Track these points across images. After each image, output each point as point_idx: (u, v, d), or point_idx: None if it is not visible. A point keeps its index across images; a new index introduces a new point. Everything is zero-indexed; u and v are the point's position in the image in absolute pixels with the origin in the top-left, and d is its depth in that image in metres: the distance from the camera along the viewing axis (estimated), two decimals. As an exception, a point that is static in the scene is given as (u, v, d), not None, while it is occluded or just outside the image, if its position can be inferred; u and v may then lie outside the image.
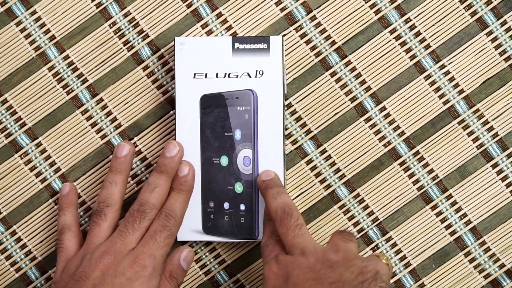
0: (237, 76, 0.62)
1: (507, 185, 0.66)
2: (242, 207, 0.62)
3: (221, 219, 0.63)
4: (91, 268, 0.58)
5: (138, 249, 0.59)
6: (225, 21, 0.66)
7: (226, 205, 0.63)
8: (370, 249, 0.67)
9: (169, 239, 0.59)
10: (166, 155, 0.62)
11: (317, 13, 0.66)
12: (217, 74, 0.62)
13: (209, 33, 0.66)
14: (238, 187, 0.62)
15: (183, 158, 0.63)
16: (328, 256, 0.55)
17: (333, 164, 0.67)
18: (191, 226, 0.63)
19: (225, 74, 0.62)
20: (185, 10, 0.66)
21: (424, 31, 0.66)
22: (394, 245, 0.67)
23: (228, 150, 0.62)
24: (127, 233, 0.59)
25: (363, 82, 0.66)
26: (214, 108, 0.62)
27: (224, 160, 0.62)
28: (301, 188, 0.67)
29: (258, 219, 0.62)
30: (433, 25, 0.66)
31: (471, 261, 0.67)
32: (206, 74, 0.62)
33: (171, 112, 0.66)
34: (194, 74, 0.62)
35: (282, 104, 0.61)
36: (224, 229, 0.63)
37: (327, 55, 0.66)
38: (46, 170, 0.66)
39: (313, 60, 0.66)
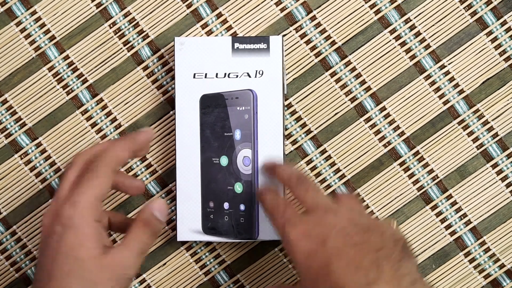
0: (237, 76, 0.62)
1: (507, 185, 0.66)
2: (242, 207, 0.62)
3: (221, 219, 0.63)
4: (41, 237, 0.56)
5: (64, 200, 0.55)
6: (225, 21, 0.66)
7: (226, 205, 0.63)
8: (370, 249, 0.67)
9: (93, 181, 0.54)
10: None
11: (317, 13, 0.66)
12: (217, 74, 0.62)
13: (209, 33, 0.66)
14: (238, 187, 0.62)
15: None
16: (358, 220, 0.53)
17: (333, 164, 0.67)
18: (191, 226, 0.63)
19: (225, 74, 0.62)
20: (185, 10, 0.66)
21: (424, 31, 0.66)
22: (394, 245, 0.67)
23: (228, 150, 0.62)
24: (58, 189, 0.56)
25: (363, 82, 0.66)
26: (214, 108, 0.62)
27: (224, 160, 0.62)
28: (301, 188, 0.67)
29: (258, 219, 0.62)
30: (433, 25, 0.66)
31: (471, 261, 0.67)
32: (206, 74, 0.62)
33: (171, 112, 0.66)
34: (194, 74, 0.62)
35: (282, 104, 0.61)
36: (224, 229, 0.63)
37: (327, 55, 0.66)
38: (46, 170, 0.66)
39: (313, 60, 0.66)
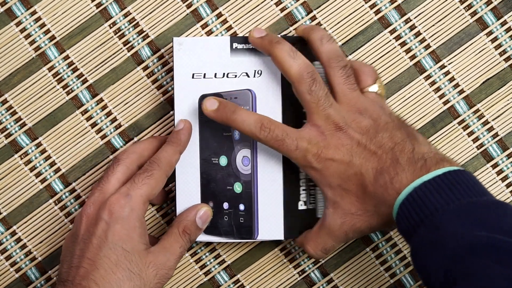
0: (236, 76, 0.62)
1: (507, 185, 0.66)
2: (242, 207, 0.62)
3: (220, 219, 0.63)
4: (79, 225, 0.58)
5: (114, 193, 0.58)
6: (225, 21, 0.66)
7: (226, 205, 0.62)
8: (370, 249, 0.67)
9: (148, 180, 0.58)
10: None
11: (317, 13, 0.66)
12: (215, 74, 0.62)
13: (209, 33, 0.66)
14: (238, 187, 0.62)
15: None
16: (364, 125, 0.57)
17: (333, 164, 0.66)
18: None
19: (224, 74, 0.62)
20: (185, 10, 0.66)
21: (424, 31, 0.66)
22: (394, 245, 0.67)
23: (227, 150, 0.62)
24: (103, 182, 0.59)
25: (363, 82, 0.66)
26: None
27: (223, 160, 0.62)
28: (301, 188, 0.66)
29: (257, 219, 0.62)
30: (433, 25, 0.66)
31: (471, 261, 0.67)
32: (204, 74, 0.62)
33: (171, 112, 0.66)
34: (193, 74, 0.62)
35: (280, 104, 0.61)
36: (224, 229, 0.63)
37: (327, 55, 0.66)
38: (46, 171, 0.66)
39: (313, 60, 0.66)
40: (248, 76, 0.61)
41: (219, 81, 0.62)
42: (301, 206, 0.63)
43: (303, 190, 0.63)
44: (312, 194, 0.63)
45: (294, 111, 0.61)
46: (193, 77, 0.62)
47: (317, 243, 0.59)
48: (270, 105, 0.61)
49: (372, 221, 0.57)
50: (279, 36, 0.61)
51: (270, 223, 0.62)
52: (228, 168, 0.62)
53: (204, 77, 0.62)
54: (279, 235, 0.62)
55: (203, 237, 0.63)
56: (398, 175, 0.54)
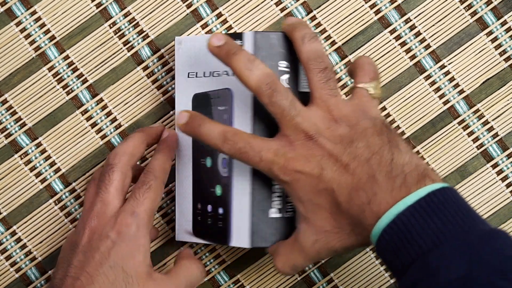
0: (227, 74, 0.60)
1: (507, 185, 0.66)
2: (221, 210, 0.60)
3: (205, 221, 0.61)
4: (80, 236, 0.57)
5: (119, 209, 0.57)
6: (225, 21, 0.66)
7: (209, 208, 0.60)
8: (370, 249, 0.67)
9: (148, 193, 0.57)
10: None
11: (317, 13, 0.66)
12: (204, 73, 0.60)
13: (209, 33, 0.66)
14: (218, 190, 0.60)
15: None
16: (337, 131, 0.52)
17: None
18: (186, 227, 0.62)
19: (210, 73, 0.60)
20: (185, 10, 0.66)
21: (424, 31, 0.66)
22: (394, 245, 0.67)
23: (212, 151, 0.60)
24: (102, 192, 0.57)
25: (363, 82, 0.66)
26: (203, 107, 0.60)
27: (208, 162, 0.60)
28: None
29: (231, 224, 0.59)
30: (433, 25, 0.66)
31: (471, 261, 0.67)
32: (199, 73, 0.61)
33: (171, 112, 0.66)
34: (188, 73, 0.61)
35: (251, 101, 0.58)
36: (208, 231, 0.61)
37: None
38: (46, 171, 0.66)
39: (313, 60, 0.66)
40: (228, 75, 0.59)
41: (213, 80, 0.59)
42: (274, 214, 0.58)
43: (278, 197, 0.59)
44: (290, 202, 0.59)
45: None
46: (188, 76, 0.61)
47: (287, 258, 0.55)
48: (244, 103, 0.58)
49: (348, 241, 0.52)
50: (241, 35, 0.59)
51: (239, 229, 0.58)
52: (212, 169, 0.60)
53: (200, 75, 0.61)
54: (245, 243, 0.58)
55: (194, 239, 0.62)
56: (376, 196, 0.49)
